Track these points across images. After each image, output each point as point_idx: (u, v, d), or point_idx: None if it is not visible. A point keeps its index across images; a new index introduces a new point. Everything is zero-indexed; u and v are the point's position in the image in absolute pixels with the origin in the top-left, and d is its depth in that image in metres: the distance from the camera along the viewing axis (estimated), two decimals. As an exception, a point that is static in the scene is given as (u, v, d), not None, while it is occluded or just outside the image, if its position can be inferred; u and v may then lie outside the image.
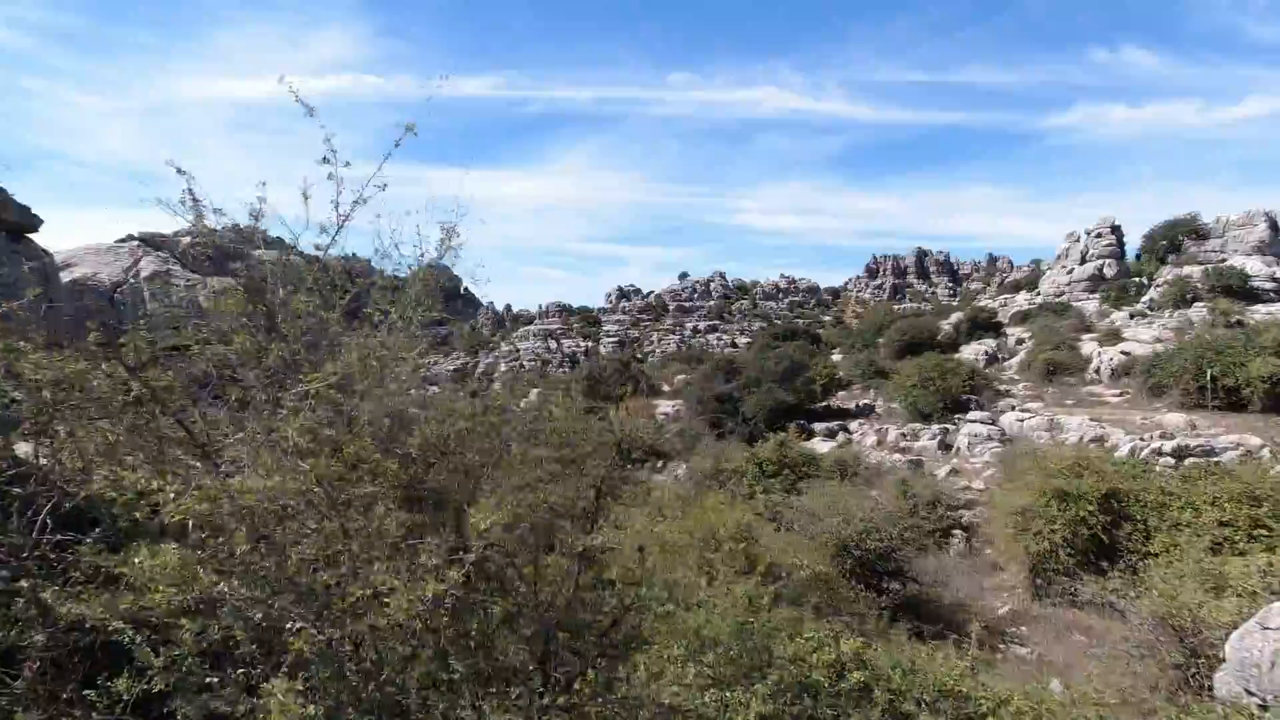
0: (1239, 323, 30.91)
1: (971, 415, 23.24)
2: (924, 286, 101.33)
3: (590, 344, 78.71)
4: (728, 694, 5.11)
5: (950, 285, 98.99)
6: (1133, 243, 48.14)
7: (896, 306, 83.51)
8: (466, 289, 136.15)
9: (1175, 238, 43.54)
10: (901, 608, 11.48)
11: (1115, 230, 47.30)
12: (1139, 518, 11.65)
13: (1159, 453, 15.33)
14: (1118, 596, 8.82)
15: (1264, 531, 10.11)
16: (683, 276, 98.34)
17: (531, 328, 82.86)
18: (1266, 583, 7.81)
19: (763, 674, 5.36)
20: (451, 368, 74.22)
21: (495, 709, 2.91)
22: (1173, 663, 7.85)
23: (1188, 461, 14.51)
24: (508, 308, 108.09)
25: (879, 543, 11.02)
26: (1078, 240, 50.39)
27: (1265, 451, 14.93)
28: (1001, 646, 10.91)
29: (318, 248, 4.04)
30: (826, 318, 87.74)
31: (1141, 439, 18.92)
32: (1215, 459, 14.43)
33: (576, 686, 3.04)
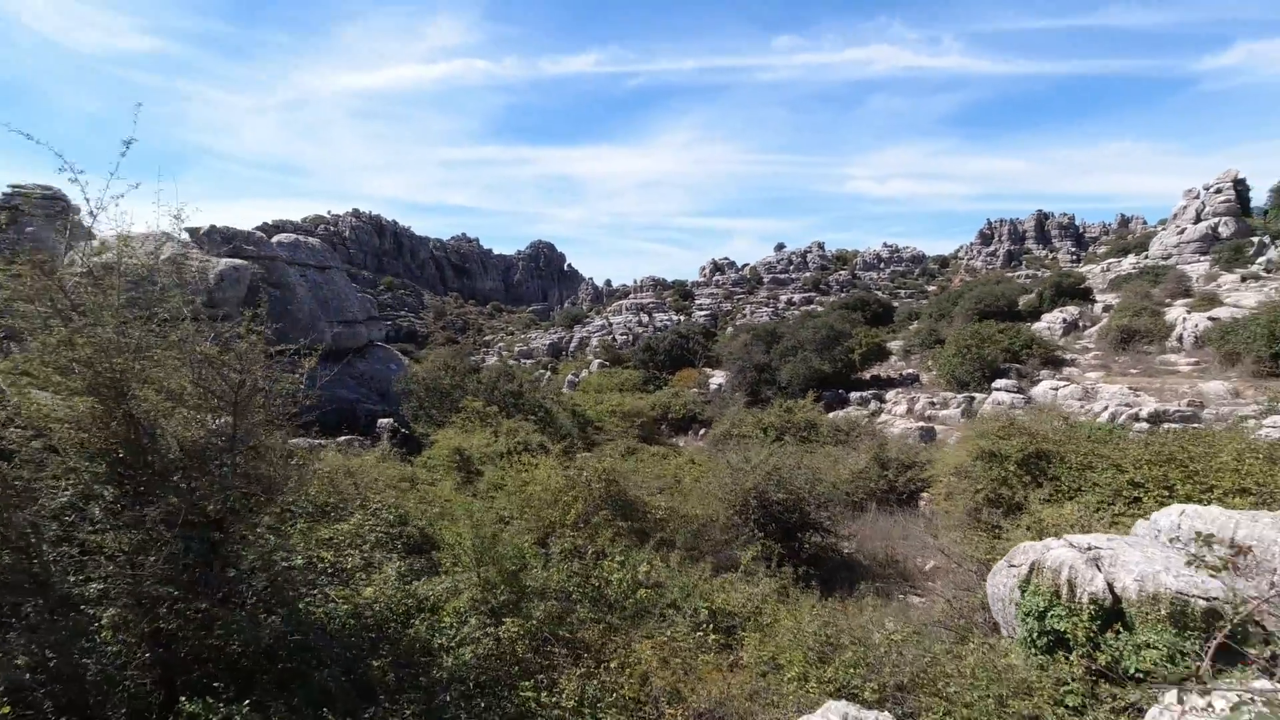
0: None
1: (998, 384, 22.58)
2: (1044, 252, 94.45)
3: (682, 317, 79.53)
4: (457, 579, 6.45)
5: (1074, 250, 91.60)
6: (1261, 199, 43.27)
7: (1010, 274, 78.41)
8: (570, 264, 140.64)
9: (1311, 190, 38.87)
10: (817, 561, 12.19)
11: (1238, 185, 42.61)
12: (1062, 478, 11.63)
13: (1136, 418, 14.71)
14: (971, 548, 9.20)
15: (1164, 492, 10.04)
16: (779, 248, 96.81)
17: (625, 302, 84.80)
18: (1070, 529, 8.06)
19: (490, 570, 6.58)
20: (547, 342, 77.75)
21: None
22: (981, 603, 8.24)
23: (1164, 427, 13.91)
24: (607, 282, 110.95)
25: (784, 495, 11.68)
26: (1196, 197, 45.80)
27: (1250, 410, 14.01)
28: (900, 595, 11.40)
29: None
30: (931, 288, 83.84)
31: (1166, 407, 17.99)
32: (1196, 425, 13.77)
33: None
